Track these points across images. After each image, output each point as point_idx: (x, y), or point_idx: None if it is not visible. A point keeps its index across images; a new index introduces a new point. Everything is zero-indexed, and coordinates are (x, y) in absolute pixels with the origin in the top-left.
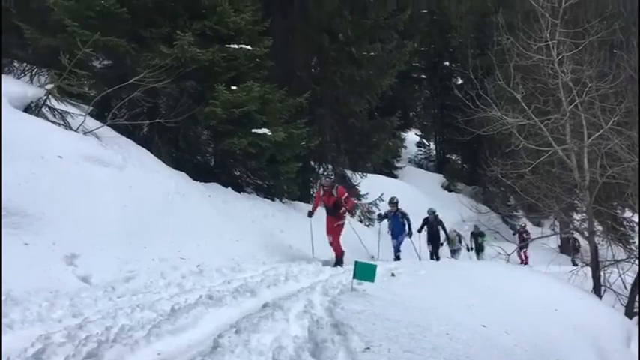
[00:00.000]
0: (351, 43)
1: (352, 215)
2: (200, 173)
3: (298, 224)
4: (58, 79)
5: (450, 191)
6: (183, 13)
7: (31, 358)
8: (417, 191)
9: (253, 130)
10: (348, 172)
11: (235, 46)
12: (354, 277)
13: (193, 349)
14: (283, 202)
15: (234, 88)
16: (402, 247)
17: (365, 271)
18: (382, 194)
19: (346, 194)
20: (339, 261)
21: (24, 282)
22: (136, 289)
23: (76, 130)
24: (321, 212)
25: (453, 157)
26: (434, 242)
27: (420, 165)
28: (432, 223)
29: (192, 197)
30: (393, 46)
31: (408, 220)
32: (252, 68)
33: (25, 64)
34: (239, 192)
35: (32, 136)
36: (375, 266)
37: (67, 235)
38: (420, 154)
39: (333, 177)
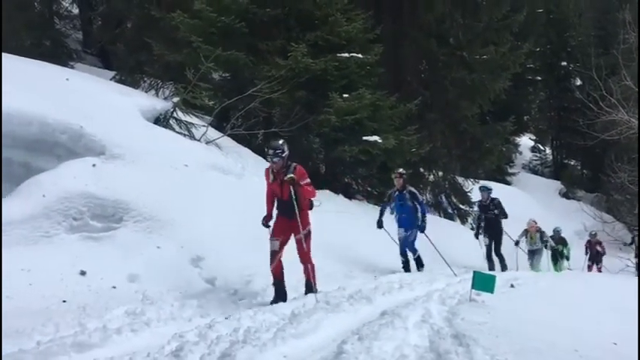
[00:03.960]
0: (463, 46)
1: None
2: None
3: None
4: (183, 92)
5: (569, 198)
6: (297, 25)
7: (171, 356)
8: (530, 199)
9: (364, 138)
10: (459, 179)
11: (347, 55)
12: (472, 287)
13: (317, 354)
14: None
15: (346, 96)
16: (417, 245)
17: (484, 282)
18: None
19: (307, 179)
20: (309, 287)
21: (157, 282)
22: (255, 292)
23: (199, 140)
24: None
25: (572, 163)
26: (492, 235)
27: (534, 171)
28: (488, 206)
29: None
30: (507, 48)
31: (420, 203)
32: (363, 76)
33: (152, 79)
34: (350, 199)
35: (162, 146)
36: (495, 277)
37: (194, 239)
38: (535, 160)
39: (283, 149)
